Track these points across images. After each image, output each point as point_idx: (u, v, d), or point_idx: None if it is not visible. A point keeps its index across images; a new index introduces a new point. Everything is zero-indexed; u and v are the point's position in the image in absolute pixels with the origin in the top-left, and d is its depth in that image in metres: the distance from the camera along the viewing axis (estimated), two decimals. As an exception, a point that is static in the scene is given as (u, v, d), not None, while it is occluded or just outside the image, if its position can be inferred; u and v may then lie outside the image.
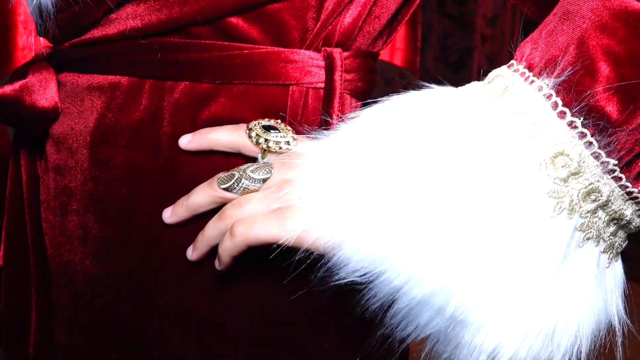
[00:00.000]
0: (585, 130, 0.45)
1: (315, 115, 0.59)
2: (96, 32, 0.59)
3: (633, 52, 0.44)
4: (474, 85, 0.51)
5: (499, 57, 3.84)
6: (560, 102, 0.46)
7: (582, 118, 0.45)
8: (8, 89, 0.59)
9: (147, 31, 0.58)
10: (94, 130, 0.60)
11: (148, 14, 0.57)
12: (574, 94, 0.45)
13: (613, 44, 0.45)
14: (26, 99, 0.60)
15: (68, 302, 0.63)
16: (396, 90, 0.51)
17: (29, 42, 2.84)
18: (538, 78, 0.47)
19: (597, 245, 0.48)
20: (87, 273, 0.61)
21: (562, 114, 0.45)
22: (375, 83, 0.65)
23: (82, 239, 0.61)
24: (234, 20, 0.57)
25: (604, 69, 0.45)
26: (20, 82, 0.60)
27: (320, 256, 0.49)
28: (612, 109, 0.44)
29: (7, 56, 2.78)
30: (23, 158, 0.66)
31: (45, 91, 0.61)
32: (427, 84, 0.52)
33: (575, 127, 0.45)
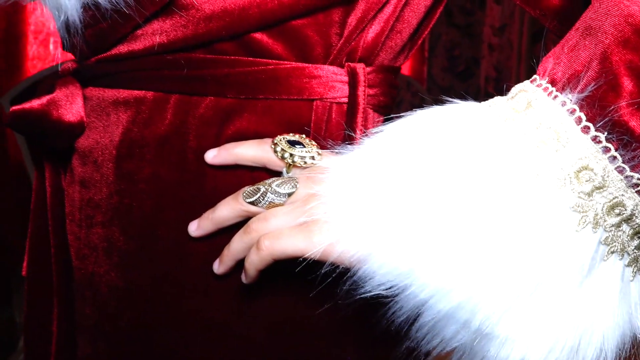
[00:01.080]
0: (609, 145, 0.46)
1: (338, 130, 0.60)
2: (123, 48, 0.60)
3: None
4: (497, 100, 0.52)
5: (507, 66, 3.85)
6: (584, 117, 0.46)
7: (606, 133, 0.46)
8: (35, 103, 0.60)
9: (173, 47, 0.59)
10: (119, 144, 0.61)
11: (174, 30, 0.58)
12: (597, 109, 0.46)
13: (636, 59, 0.45)
14: (53, 113, 0.61)
15: (92, 314, 0.64)
16: (404, 99, 0.52)
17: (39, 52, 2.86)
18: (561, 93, 0.48)
19: (621, 258, 0.48)
20: (112, 285, 0.62)
21: (586, 129, 0.46)
22: (396, 97, 0.66)
23: (107, 251, 0.62)
24: (258, 35, 0.58)
25: (627, 84, 0.45)
26: (48, 97, 0.61)
27: (346, 269, 0.50)
28: (635, 123, 0.45)
29: (17, 66, 2.80)
30: (47, 171, 0.67)
31: (71, 106, 0.62)
32: (451, 99, 0.53)
33: (599, 141, 0.46)
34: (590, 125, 0.46)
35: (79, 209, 0.64)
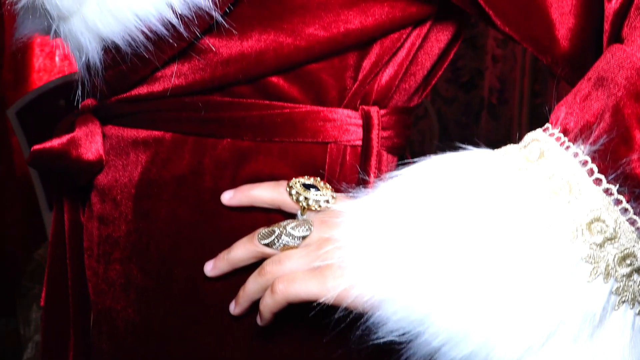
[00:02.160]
0: (621, 197, 0.47)
1: (352, 172, 0.61)
2: (142, 89, 0.62)
3: None
4: (510, 149, 0.52)
5: (510, 77, 3.86)
6: (596, 169, 0.47)
7: (617, 185, 0.46)
8: (56, 142, 0.62)
9: (191, 89, 0.60)
10: (138, 184, 0.62)
11: (192, 72, 0.59)
12: (609, 161, 0.47)
13: None
14: (73, 152, 0.62)
15: (109, 349, 0.65)
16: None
17: (45, 65, 2.88)
18: (574, 144, 0.48)
19: (632, 307, 0.49)
20: (129, 320, 0.63)
21: (598, 181, 0.47)
22: (409, 138, 0.67)
23: (124, 287, 0.63)
24: (274, 79, 0.59)
25: (639, 137, 0.46)
26: (68, 136, 0.62)
27: (360, 315, 0.51)
28: None
29: (24, 78, 2.83)
30: (66, 205, 0.68)
31: (90, 144, 0.63)
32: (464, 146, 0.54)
33: (611, 194, 0.47)
34: (602, 177, 0.47)
35: (97, 244, 0.65)
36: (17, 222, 2.69)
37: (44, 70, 2.89)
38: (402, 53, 0.62)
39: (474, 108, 3.66)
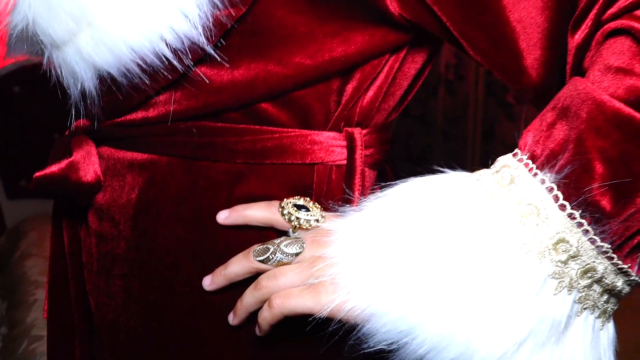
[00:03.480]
0: (583, 221, 0.52)
1: (338, 190, 0.66)
2: (137, 115, 0.65)
3: (624, 154, 0.51)
4: (483, 173, 0.57)
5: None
6: (560, 196, 0.53)
7: (580, 210, 0.52)
8: (56, 167, 0.65)
9: (185, 115, 0.64)
10: (136, 204, 0.66)
11: (185, 99, 0.63)
12: (572, 189, 0.52)
13: (607, 146, 0.51)
14: (72, 176, 0.65)
15: (111, 358, 0.69)
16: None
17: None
18: (541, 171, 0.54)
19: (592, 312, 0.55)
20: (131, 333, 0.67)
21: (562, 207, 0.53)
22: (388, 153, 0.72)
23: (125, 300, 0.67)
24: (264, 105, 0.64)
25: (598, 167, 0.52)
26: (66, 161, 0.65)
27: (352, 326, 0.56)
28: (606, 203, 0.52)
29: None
30: (64, 222, 0.72)
31: (88, 167, 0.66)
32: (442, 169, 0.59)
33: (574, 218, 0.52)
34: (567, 204, 0.52)
35: (97, 260, 0.69)
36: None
37: (-7, 57, 2.83)
38: (381, 77, 0.66)
39: (431, 84, 3.72)
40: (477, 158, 3.59)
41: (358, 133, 0.66)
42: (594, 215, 0.52)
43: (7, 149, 2.86)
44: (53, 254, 0.73)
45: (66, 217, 0.72)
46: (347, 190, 0.66)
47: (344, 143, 0.66)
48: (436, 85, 3.71)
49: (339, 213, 0.61)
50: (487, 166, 0.59)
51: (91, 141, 0.68)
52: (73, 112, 0.69)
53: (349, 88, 0.65)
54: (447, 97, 3.71)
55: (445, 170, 0.59)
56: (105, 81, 0.62)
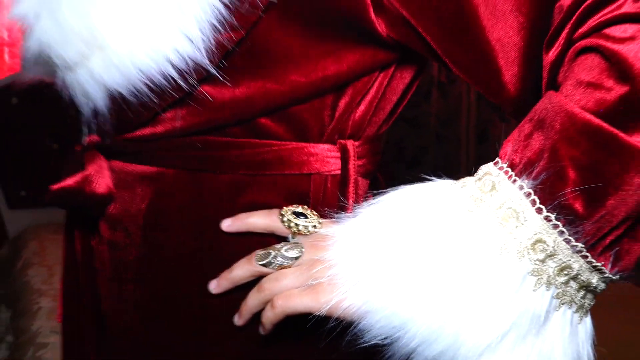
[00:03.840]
0: (558, 223, 0.57)
1: (334, 198, 0.71)
2: (145, 130, 0.70)
3: (593, 162, 0.56)
4: (468, 181, 0.62)
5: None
6: (537, 200, 0.57)
7: (555, 213, 0.57)
8: (71, 181, 0.70)
9: (190, 130, 0.68)
10: (146, 214, 0.71)
11: (190, 116, 0.68)
12: (548, 194, 0.57)
13: (578, 154, 0.56)
14: (86, 188, 0.70)
15: None
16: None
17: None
18: (519, 178, 0.58)
19: (570, 307, 0.60)
20: (141, 335, 0.72)
21: (539, 210, 0.57)
22: (379, 162, 0.77)
23: (136, 305, 0.72)
24: (263, 120, 0.68)
25: (571, 174, 0.56)
26: (81, 174, 0.70)
27: (349, 323, 0.61)
28: (578, 206, 0.56)
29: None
30: (77, 232, 0.76)
31: (101, 180, 0.71)
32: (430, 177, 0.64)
33: (550, 220, 0.57)
34: (543, 207, 0.57)
35: (109, 267, 0.74)
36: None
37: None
38: (372, 92, 0.71)
39: (424, 87, 3.76)
40: (470, 160, 3.63)
41: (351, 145, 0.71)
42: (568, 218, 0.57)
43: (8, 160, 2.91)
44: (66, 262, 0.78)
45: (78, 227, 0.77)
46: (341, 198, 0.71)
47: (338, 154, 0.71)
48: (429, 87, 3.74)
49: (334, 219, 0.66)
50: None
51: (102, 156, 0.73)
52: (86, 130, 0.73)
53: (342, 103, 0.70)
54: (440, 100, 3.75)
55: (433, 178, 0.64)
56: (116, 100, 0.67)
